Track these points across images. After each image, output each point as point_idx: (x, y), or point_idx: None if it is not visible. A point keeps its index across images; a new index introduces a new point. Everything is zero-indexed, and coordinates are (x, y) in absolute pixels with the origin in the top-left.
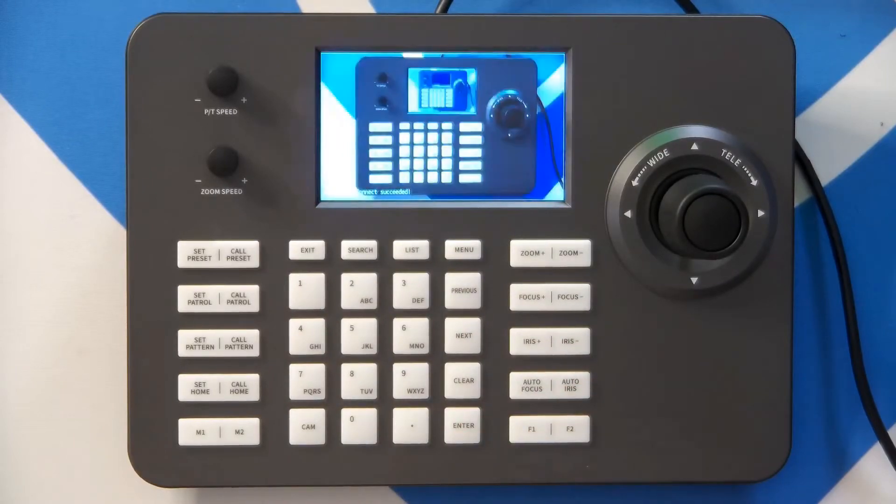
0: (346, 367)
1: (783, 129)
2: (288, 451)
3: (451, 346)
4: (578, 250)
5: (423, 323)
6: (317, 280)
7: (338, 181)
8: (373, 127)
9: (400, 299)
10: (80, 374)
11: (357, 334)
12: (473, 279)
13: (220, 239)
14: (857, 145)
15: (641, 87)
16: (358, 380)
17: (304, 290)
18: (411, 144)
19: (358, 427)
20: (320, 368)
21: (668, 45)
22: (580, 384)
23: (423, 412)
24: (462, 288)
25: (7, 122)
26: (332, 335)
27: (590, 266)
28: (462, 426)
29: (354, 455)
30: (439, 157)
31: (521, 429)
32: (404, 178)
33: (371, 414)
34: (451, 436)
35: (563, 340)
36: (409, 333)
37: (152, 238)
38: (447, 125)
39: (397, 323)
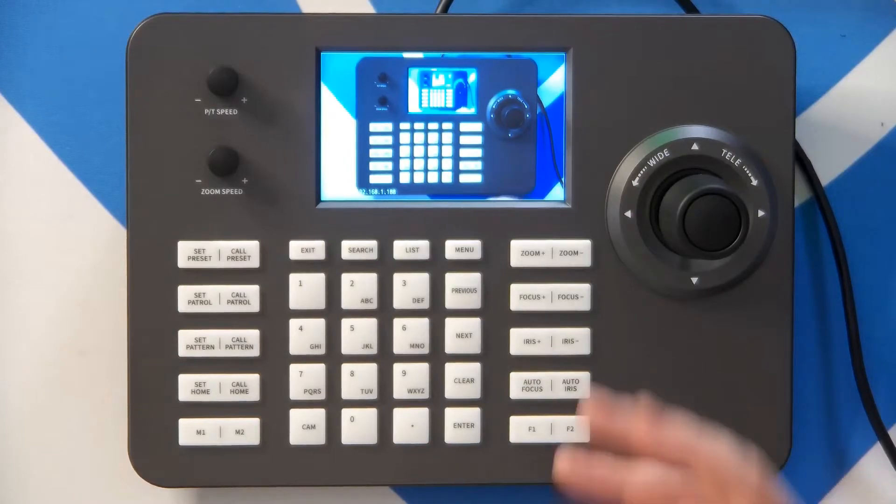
0: (346, 367)
1: (783, 129)
2: (288, 451)
3: (451, 346)
4: (578, 250)
5: (423, 323)
6: (317, 280)
7: (338, 181)
8: (373, 127)
9: (400, 299)
10: (80, 374)
11: (357, 334)
12: (474, 279)
13: (221, 239)
14: (857, 145)
15: (641, 87)
16: (358, 380)
17: (305, 290)
18: (411, 144)
19: (358, 427)
20: (320, 368)
21: (668, 45)
22: (580, 384)
23: (424, 412)
24: (462, 288)
25: (7, 122)
26: (333, 335)
27: (590, 266)
28: (462, 426)
29: (354, 455)
30: (439, 157)
31: (522, 429)
32: (404, 177)
33: (371, 414)
34: (452, 436)
35: (563, 340)
36: (410, 333)
37: (152, 238)
38: (447, 125)
39: (397, 323)
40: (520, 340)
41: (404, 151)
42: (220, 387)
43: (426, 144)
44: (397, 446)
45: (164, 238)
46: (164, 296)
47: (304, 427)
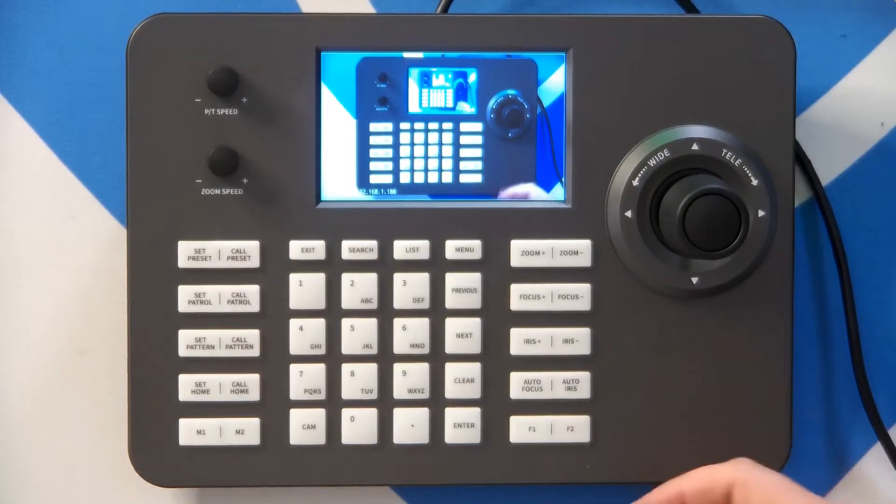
0: (346, 367)
1: (783, 129)
2: (288, 451)
3: (451, 346)
4: (579, 250)
5: (423, 323)
6: (317, 280)
7: (338, 181)
8: (373, 127)
9: (400, 299)
10: (80, 374)
11: (357, 334)
12: (474, 279)
13: (221, 239)
14: (857, 145)
15: (641, 87)
16: (358, 380)
17: (305, 290)
18: (412, 144)
19: (358, 427)
20: (321, 368)
21: (668, 45)
22: (580, 384)
23: (424, 412)
24: (462, 288)
25: (7, 122)
26: (333, 335)
27: (590, 266)
28: (462, 426)
29: (354, 455)
30: (440, 157)
31: (522, 429)
32: (405, 177)
33: (371, 414)
34: (452, 436)
35: (563, 340)
36: (410, 333)
37: (152, 238)
38: (447, 125)
39: (398, 323)
40: (520, 340)
41: (404, 151)
42: (220, 387)
43: (426, 144)
44: (397, 446)
45: (164, 238)
46: (164, 296)
47: (304, 427)
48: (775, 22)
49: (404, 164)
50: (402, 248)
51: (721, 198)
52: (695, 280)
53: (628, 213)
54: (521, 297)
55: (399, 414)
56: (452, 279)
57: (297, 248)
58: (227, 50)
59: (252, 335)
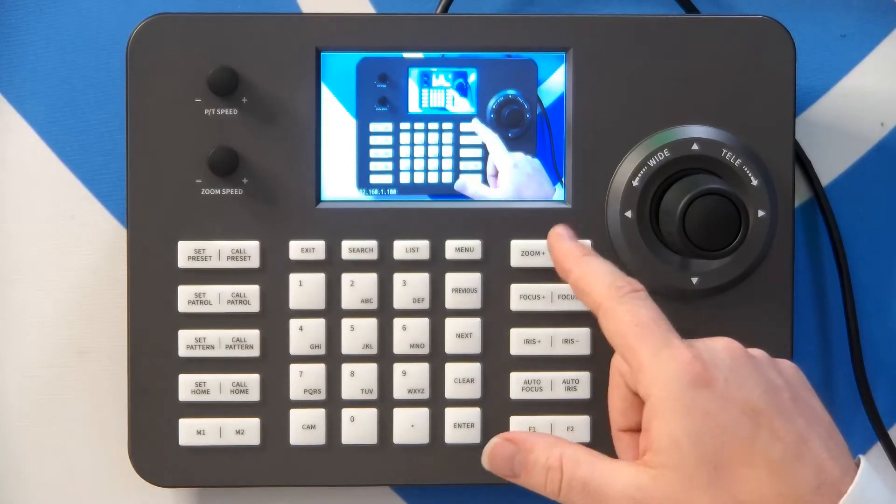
0: (346, 367)
1: (783, 129)
2: (288, 451)
3: (451, 346)
4: None
5: (423, 323)
6: (317, 280)
7: (338, 181)
8: (373, 127)
9: (400, 299)
10: (80, 374)
11: (357, 334)
12: (474, 279)
13: (221, 239)
14: (857, 145)
15: (641, 87)
16: (358, 380)
17: (305, 290)
18: (412, 144)
19: (358, 427)
20: (321, 368)
21: (668, 45)
22: (580, 384)
23: (424, 412)
24: (462, 288)
25: (7, 122)
26: (333, 335)
27: None
28: (462, 426)
29: (354, 455)
30: (439, 157)
31: (522, 429)
32: (405, 178)
33: (371, 414)
34: (452, 436)
35: (563, 340)
36: (410, 333)
37: (152, 238)
38: (447, 125)
39: (398, 323)
40: (520, 340)
41: (404, 151)
42: (220, 387)
43: (426, 144)
44: (397, 446)
45: (164, 238)
46: (164, 296)
47: (304, 427)
48: (775, 22)
49: (404, 164)
50: (402, 248)
51: (721, 198)
52: (695, 280)
53: (628, 213)
54: (521, 297)
55: (399, 414)
56: (452, 279)
57: (297, 248)
58: (227, 50)
59: (252, 335)
